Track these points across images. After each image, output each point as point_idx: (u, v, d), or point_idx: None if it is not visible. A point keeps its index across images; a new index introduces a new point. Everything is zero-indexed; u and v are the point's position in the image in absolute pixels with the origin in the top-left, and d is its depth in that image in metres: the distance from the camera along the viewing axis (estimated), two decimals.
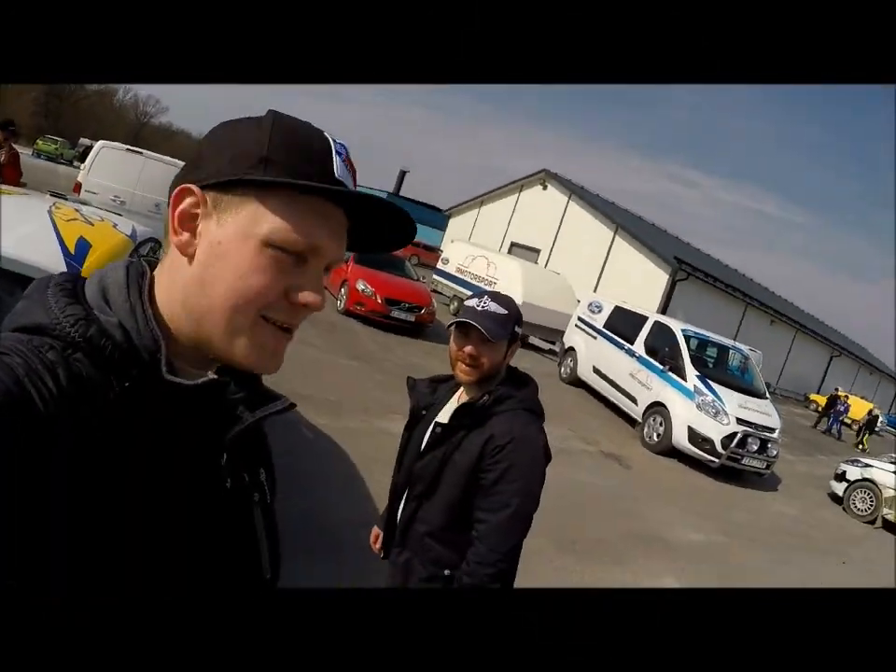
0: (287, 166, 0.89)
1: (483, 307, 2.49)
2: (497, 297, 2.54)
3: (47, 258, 3.16)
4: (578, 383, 15.98)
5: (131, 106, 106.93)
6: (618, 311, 15.61)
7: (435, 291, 23.13)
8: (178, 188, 0.92)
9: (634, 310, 15.33)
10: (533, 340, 20.57)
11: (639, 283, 26.91)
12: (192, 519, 0.94)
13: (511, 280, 20.12)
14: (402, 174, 78.89)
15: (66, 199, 5.20)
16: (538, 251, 33.32)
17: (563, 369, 16.82)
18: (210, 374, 1.00)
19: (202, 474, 0.98)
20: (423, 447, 2.63)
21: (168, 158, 13.20)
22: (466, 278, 22.78)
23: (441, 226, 45.82)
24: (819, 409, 30.48)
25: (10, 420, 0.72)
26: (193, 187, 0.92)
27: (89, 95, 76.76)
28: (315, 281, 0.94)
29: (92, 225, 4.23)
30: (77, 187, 12.08)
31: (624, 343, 14.47)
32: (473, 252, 23.50)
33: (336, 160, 0.94)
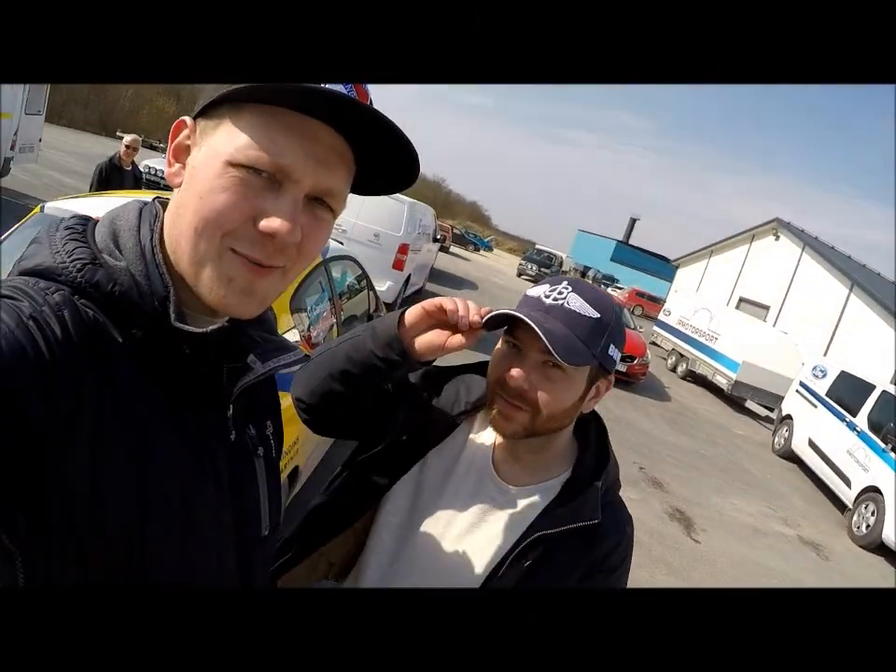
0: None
1: (556, 300, 1.35)
2: (581, 287, 1.39)
3: None
4: (791, 457, 14.62)
5: None
6: (843, 377, 14.07)
7: (653, 343, 22.72)
8: (175, 122, 0.91)
9: (861, 377, 13.73)
10: (750, 404, 19.51)
11: (873, 347, 24.53)
12: (193, 472, 0.90)
13: (734, 337, 19.25)
14: (632, 221, 78.28)
15: None
16: (766, 308, 31.47)
17: (777, 438, 15.49)
18: (221, 321, 0.94)
19: (206, 425, 0.95)
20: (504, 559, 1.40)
21: None
22: (686, 331, 22.08)
23: (669, 277, 44.83)
24: None
25: (11, 362, 0.69)
26: (187, 119, 0.90)
27: None
28: (287, 208, 0.85)
29: None
30: None
31: (846, 414, 12.98)
32: (696, 304, 22.80)
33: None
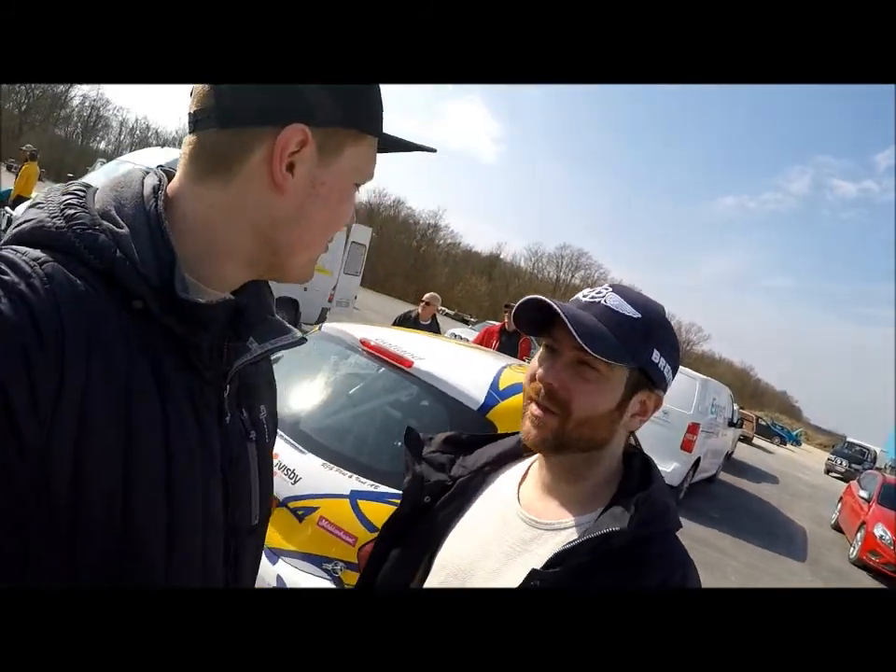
0: (369, 114, 0.97)
1: (594, 298, 1.28)
2: (624, 289, 1.32)
3: (468, 386, 3.55)
4: None
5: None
6: None
7: None
8: (291, 127, 0.90)
9: None
10: None
11: None
12: (182, 452, 0.88)
13: None
14: None
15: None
16: None
17: None
18: (227, 294, 0.96)
19: (200, 405, 0.94)
20: None
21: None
22: None
23: None
24: None
25: None
26: (305, 128, 0.91)
27: None
28: (354, 205, 1.04)
29: None
30: None
31: None
32: None
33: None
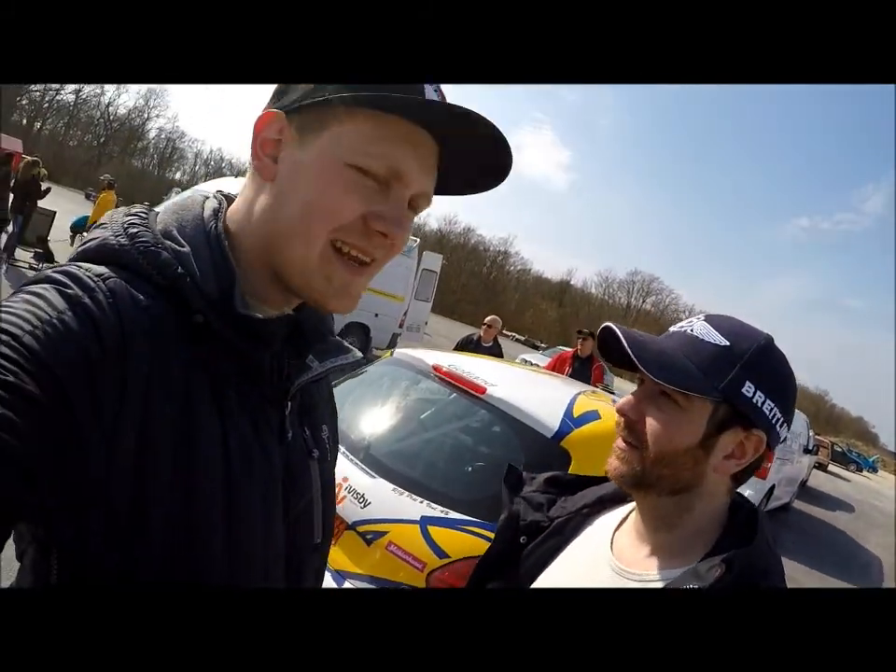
0: (373, 87, 0.84)
1: (682, 327, 1.23)
2: (719, 317, 1.22)
3: (542, 413, 3.49)
4: None
5: None
6: None
7: None
8: (262, 113, 0.91)
9: None
10: None
11: None
12: (242, 469, 0.88)
13: None
14: None
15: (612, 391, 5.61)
16: None
17: None
18: (286, 311, 0.98)
19: (261, 422, 0.93)
20: None
21: None
22: None
23: None
24: None
25: (56, 349, 0.71)
26: (278, 113, 0.90)
27: None
28: (396, 210, 0.89)
29: None
30: None
31: None
32: None
33: (427, 87, 0.87)
